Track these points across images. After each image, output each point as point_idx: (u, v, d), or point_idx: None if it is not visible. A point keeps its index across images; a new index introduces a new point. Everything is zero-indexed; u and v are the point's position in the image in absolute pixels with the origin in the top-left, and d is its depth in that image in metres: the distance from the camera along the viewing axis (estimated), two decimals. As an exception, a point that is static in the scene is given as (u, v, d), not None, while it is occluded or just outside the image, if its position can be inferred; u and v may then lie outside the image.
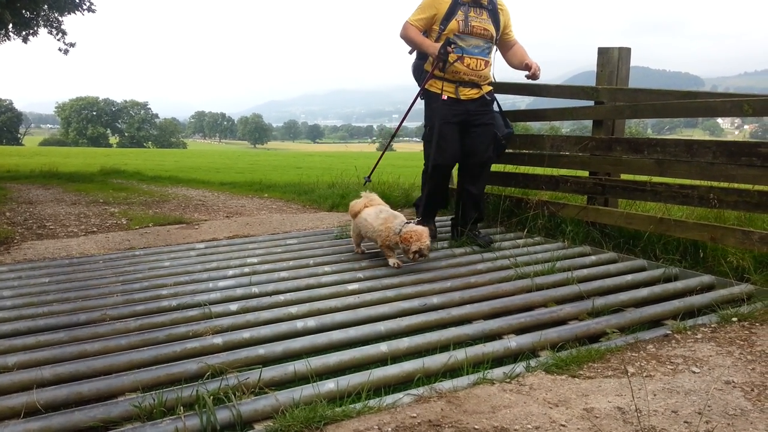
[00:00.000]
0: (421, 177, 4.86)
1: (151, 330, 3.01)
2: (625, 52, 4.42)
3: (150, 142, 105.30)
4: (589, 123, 4.73)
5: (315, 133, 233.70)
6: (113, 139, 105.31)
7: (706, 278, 3.57)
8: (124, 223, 6.20)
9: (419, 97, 4.63)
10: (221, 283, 3.78)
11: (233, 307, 3.32)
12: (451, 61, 4.25)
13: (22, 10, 13.25)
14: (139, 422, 2.15)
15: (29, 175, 13.49)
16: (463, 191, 4.68)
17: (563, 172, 4.96)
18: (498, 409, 2.11)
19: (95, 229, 5.90)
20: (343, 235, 5.10)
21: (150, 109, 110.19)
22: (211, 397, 2.20)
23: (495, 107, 4.69)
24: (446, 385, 2.34)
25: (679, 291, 3.47)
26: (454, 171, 4.90)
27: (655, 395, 2.17)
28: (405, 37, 4.47)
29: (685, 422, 1.98)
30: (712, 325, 2.89)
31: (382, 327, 2.98)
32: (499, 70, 4.64)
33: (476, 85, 4.40)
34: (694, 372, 2.37)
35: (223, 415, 2.13)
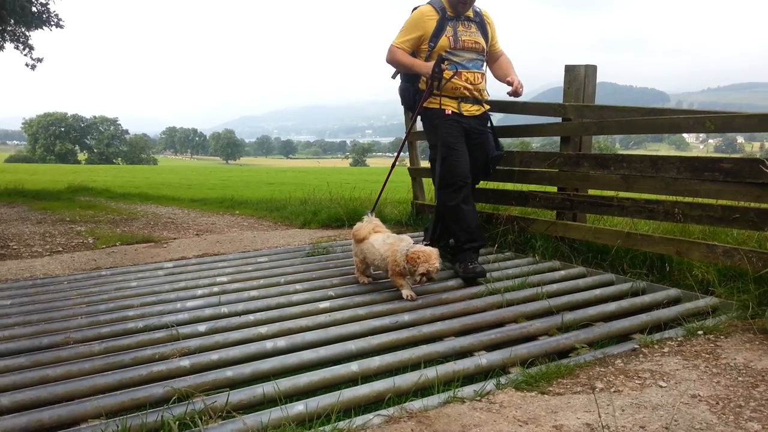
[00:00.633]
0: (442, 209, 4.31)
1: (116, 353, 2.94)
2: (591, 70, 4.49)
3: (120, 159, 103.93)
4: (558, 139, 4.79)
5: (288, 149, 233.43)
6: (82, 156, 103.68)
7: (673, 292, 3.62)
8: (91, 242, 6.09)
9: (416, 117, 4.52)
10: (189, 304, 3.72)
11: (201, 328, 3.27)
12: (447, 78, 4.13)
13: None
14: (101, 450, 2.09)
15: (-7, 193, 13.20)
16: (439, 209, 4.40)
17: (533, 187, 5.01)
18: (468, 429, 2.10)
19: (60, 249, 5.78)
20: (315, 252, 5.07)
21: (120, 124, 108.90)
22: (177, 423, 2.16)
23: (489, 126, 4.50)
24: (417, 404, 2.33)
25: (647, 305, 3.51)
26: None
27: (623, 410, 2.19)
28: (393, 61, 4.34)
29: (652, 437, 1.99)
30: (679, 339, 2.93)
31: (353, 346, 2.95)
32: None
33: (477, 101, 4.28)
34: (661, 386, 2.39)
35: (188, 440, 2.09)
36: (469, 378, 2.67)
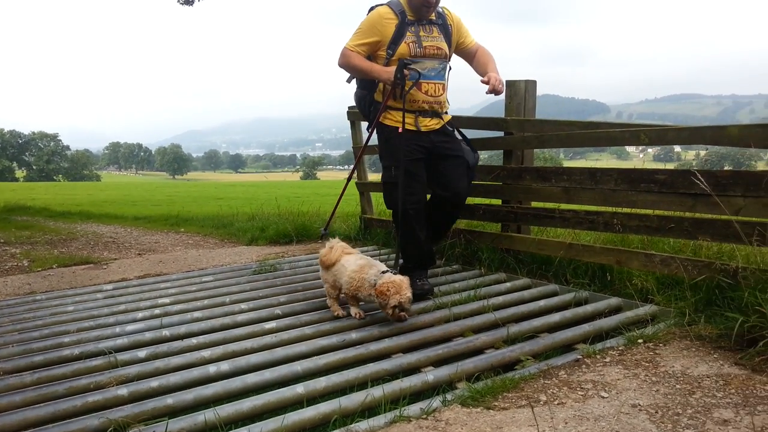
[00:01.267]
0: (394, 232, 4.28)
1: (49, 383, 2.80)
2: (531, 85, 4.59)
3: (61, 176, 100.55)
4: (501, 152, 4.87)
5: (237, 163, 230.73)
6: (20, 173, 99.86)
7: (614, 301, 3.71)
8: (26, 264, 5.83)
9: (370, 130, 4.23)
10: (129, 328, 3.60)
11: (141, 353, 3.15)
12: (406, 89, 3.79)
13: None
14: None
15: None
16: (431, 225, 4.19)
17: (478, 200, 5.07)
18: (414, 448, 2.08)
19: (-7, 273, 5.51)
20: (262, 270, 4.99)
21: (60, 140, 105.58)
22: (112, 456, 2.07)
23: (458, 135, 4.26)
24: (363, 425, 2.30)
25: (589, 314, 3.58)
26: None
27: (566, 423, 2.21)
28: (346, 65, 3.96)
29: (594, 449, 2.02)
30: (620, 348, 2.99)
31: (299, 367, 2.90)
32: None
33: (437, 114, 3.98)
34: (602, 397, 2.43)
35: (124, 475, 2.00)
36: (416, 395, 2.65)
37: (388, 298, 3.26)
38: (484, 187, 4.83)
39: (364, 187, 6.60)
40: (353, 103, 4.58)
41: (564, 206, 4.22)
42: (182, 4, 14.06)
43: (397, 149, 3.87)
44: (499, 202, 4.84)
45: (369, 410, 2.50)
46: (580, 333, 3.24)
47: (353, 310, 3.60)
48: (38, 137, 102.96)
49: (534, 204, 4.57)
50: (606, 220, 3.90)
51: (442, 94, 3.98)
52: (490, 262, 4.68)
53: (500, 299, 3.88)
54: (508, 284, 4.24)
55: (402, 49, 3.81)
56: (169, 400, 2.57)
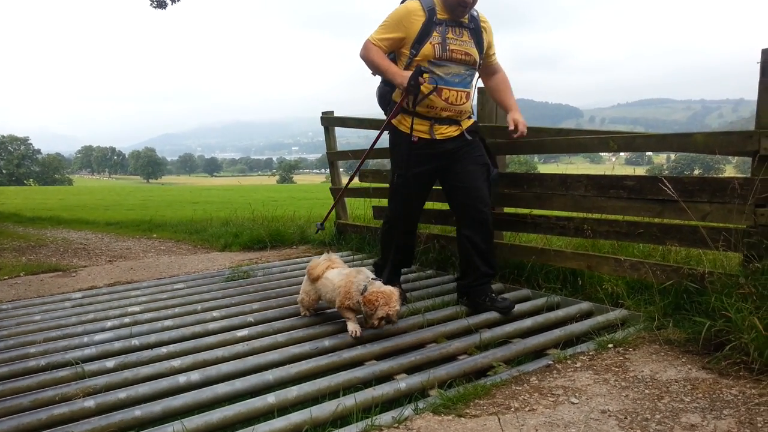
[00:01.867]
0: (381, 233, 4.18)
1: (13, 396, 2.74)
2: (503, 91, 4.61)
3: (32, 180, 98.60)
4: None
5: (212, 167, 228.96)
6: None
7: (585, 305, 3.74)
8: (-8, 273, 5.70)
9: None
10: (98, 337, 3.54)
11: (110, 363, 3.09)
12: (425, 94, 3.52)
13: None
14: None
15: None
16: (464, 241, 3.79)
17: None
18: (385, 458, 2.07)
19: (-43, 282, 5.38)
20: (235, 277, 4.94)
21: (31, 144, 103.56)
22: (76, 472, 2.02)
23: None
24: (334, 435, 2.28)
25: (561, 319, 3.61)
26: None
27: (536, 430, 2.22)
28: (365, 59, 3.66)
29: (564, 456, 2.03)
30: (590, 353, 3.02)
31: (270, 376, 2.87)
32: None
33: (455, 122, 3.68)
34: (573, 403, 2.45)
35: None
36: (389, 403, 2.65)
37: (375, 309, 3.15)
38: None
39: (338, 193, 6.58)
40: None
41: (536, 212, 4.25)
42: (155, 7, 13.93)
43: (403, 158, 3.66)
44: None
45: (341, 419, 2.48)
46: (552, 338, 3.26)
47: (350, 327, 3.35)
48: (8, 140, 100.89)
49: (506, 210, 4.60)
50: (576, 226, 3.94)
51: (464, 103, 3.67)
52: (464, 268, 4.68)
53: (473, 305, 3.88)
54: (481, 289, 4.24)
55: (426, 49, 3.51)
56: (137, 411, 2.52)
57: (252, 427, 2.34)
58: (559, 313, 3.67)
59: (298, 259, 5.79)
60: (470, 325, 3.51)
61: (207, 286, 4.76)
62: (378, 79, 3.87)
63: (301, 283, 4.67)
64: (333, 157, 6.61)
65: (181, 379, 2.86)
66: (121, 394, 2.70)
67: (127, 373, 2.94)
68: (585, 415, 2.32)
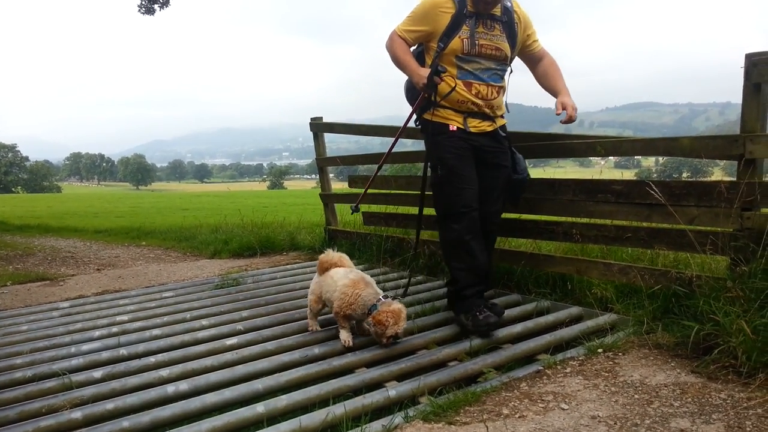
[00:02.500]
0: (443, 246, 3.74)
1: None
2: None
3: (20, 187, 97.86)
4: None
5: (202, 173, 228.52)
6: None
7: (575, 310, 3.75)
8: (-22, 283, 5.65)
9: (414, 125, 3.77)
10: (85, 347, 3.50)
11: (97, 374, 3.07)
12: (443, 95, 3.43)
13: None
14: None
15: None
16: None
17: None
18: (375, 467, 2.06)
19: (-58, 292, 5.32)
20: (224, 284, 4.92)
21: (19, 151, 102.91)
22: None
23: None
24: (323, 445, 2.27)
25: (551, 324, 3.61)
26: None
27: (526, 437, 2.22)
28: (389, 50, 3.57)
29: (554, 463, 2.02)
30: (580, 358, 3.02)
31: (260, 385, 2.85)
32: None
33: (488, 117, 3.55)
34: (563, 409, 2.45)
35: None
36: (379, 411, 2.63)
37: (386, 328, 3.14)
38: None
39: (328, 199, 6.57)
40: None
41: (525, 216, 4.26)
42: (143, 13, 13.88)
43: (443, 147, 3.49)
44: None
45: (330, 428, 2.46)
46: (542, 343, 3.26)
47: (343, 336, 3.33)
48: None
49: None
50: (565, 230, 3.95)
51: (496, 98, 3.53)
52: (454, 273, 4.68)
53: (463, 310, 3.88)
54: (471, 295, 4.24)
55: (455, 44, 3.38)
56: (125, 423, 2.50)
57: (241, 437, 2.32)
58: (549, 317, 3.68)
59: (288, 266, 5.77)
60: (460, 331, 3.51)
61: (196, 294, 4.73)
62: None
63: (290, 290, 4.67)
64: (322, 162, 6.60)
65: (170, 389, 2.83)
66: (109, 405, 2.67)
67: (115, 384, 2.92)
68: (575, 421, 2.32)
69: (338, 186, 7.38)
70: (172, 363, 3.20)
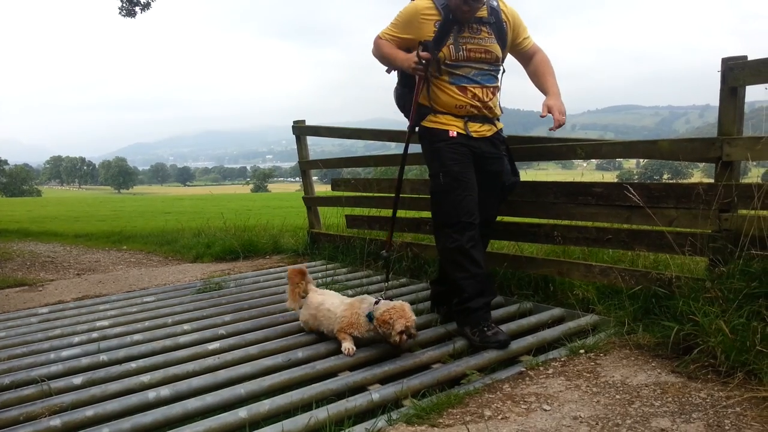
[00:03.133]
0: (442, 255, 3.60)
1: (-25, 417, 2.66)
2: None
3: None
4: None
5: (185, 176, 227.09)
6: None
7: (557, 311, 3.77)
8: (-45, 288, 5.55)
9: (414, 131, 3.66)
10: (65, 353, 3.46)
11: (77, 380, 3.03)
12: (435, 71, 3.36)
13: None
14: None
15: None
16: None
17: (424, 214, 5.10)
18: (358, 471, 2.06)
19: None
20: (207, 289, 4.89)
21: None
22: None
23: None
24: (306, 449, 2.26)
25: (533, 325, 3.63)
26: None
27: (509, 438, 2.23)
28: (376, 54, 3.54)
29: (536, 464, 2.03)
30: (562, 359, 3.04)
31: (242, 390, 2.83)
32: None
33: (488, 120, 3.49)
34: (545, 410, 2.46)
35: None
36: (362, 415, 2.63)
37: (392, 325, 3.04)
38: (427, 201, 4.87)
39: (311, 202, 6.56)
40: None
41: (507, 218, 4.28)
42: (124, 15, 13.76)
43: (443, 153, 3.40)
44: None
45: (314, 432, 2.46)
46: (524, 345, 3.28)
47: (345, 345, 3.21)
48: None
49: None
50: (547, 232, 3.98)
51: (491, 98, 3.46)
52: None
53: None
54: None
55: (444, 51, 3.33)
56: (105, 429, 2.46)
57: (223, 442, 2.30)
58: (532, 319, 3.70)
59: (272, 270, 5.74)
60: (445, 332, 3.52)
61: (178, 298, 4.69)
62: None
63: (274, 294, 4.65)
64: (305, 166, 6.59)
65: (151, 394, 2.80)
66: (89, 412, 2.64)
67: (95, 390, 2.88)
68: (557, 422, 2.34)
69: (322, 189, 7.37)
70: (154, 368, 3.16)
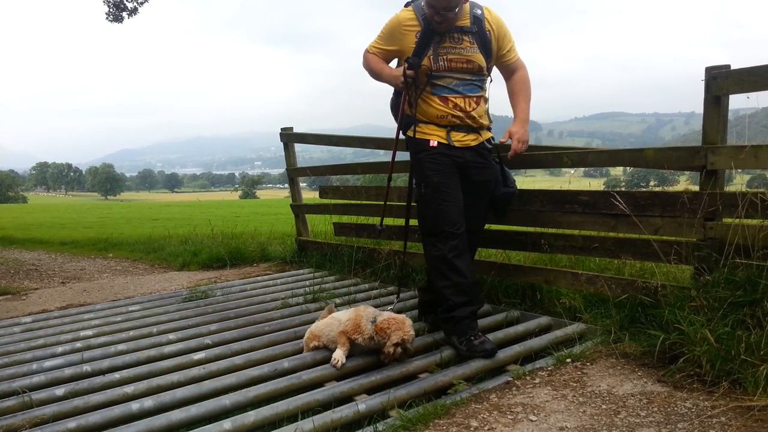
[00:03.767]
0: (428, 264, 3.62)
1: (-46, 431, 2.61)
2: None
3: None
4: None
5: (173, 182, 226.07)
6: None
7: (544, 320, 3.78)
8: (-64, 298, 5.47)
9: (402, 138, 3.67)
10: (47, 363, 3.41)
11: (59, 391, 2.98)
12: (422, 85, 3.37)
13: None
14: None
15: None
16: None
17: (411, 222, 5.08)
18: (343, 484, 2.04)
19: None
20: (193, 297, 4.85)
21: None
22: None
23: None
24: (291, 461, 2.24)
25: (520, 334, 3.63)
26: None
27: (495, 449, 2.21)
28: (365, 68, 3.57)
29: (522, 475, 2.02)
30: (549, 368, 3.04)
31: (227, 401, 2.80)
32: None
33: (472, 129, 3.44)
34: (531, 420, 2.45)
35: None
36: (348, 426, 2.61)
37: (388, 335, 3.02)
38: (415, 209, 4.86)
39: (299, 209, 6.54)
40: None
41: (494, 227, 4.28)
42: (111, 21, 13.70)
43: (425, 163, 3.40)
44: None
45: (299, 444, 2.43)
46: (512, 354, 3.27)
47: (336, 353, 3.15)
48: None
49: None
50: (534, 240, 3.98)
51: (475, 108, 3.41)
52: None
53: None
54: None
55: (424, 62, 3.33)
56: (87, 442, 2.43)
57: (206, 455, 2.27)
58: (519, 328, 3.69)
59: (259, 278, 5.71)
60: (432, 341, 3.50)
61: (163, 307, 4.65)
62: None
63: (260, 303, 4.63)
64: (293, 173, 6.57)
65: (135, 406, 2.77)
66: (71, 424, 2.60)
67: (78, 401, 2.84)
68: (543, 433, 2.33)
69: (310, 195, 7.35)
70: (138, 379, 3.13)
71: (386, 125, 3.85)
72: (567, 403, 2.61)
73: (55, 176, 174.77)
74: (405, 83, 3.33)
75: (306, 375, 3.09)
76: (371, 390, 2.96)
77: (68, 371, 3.27)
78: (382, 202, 4.80)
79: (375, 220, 5.41)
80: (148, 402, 2.80)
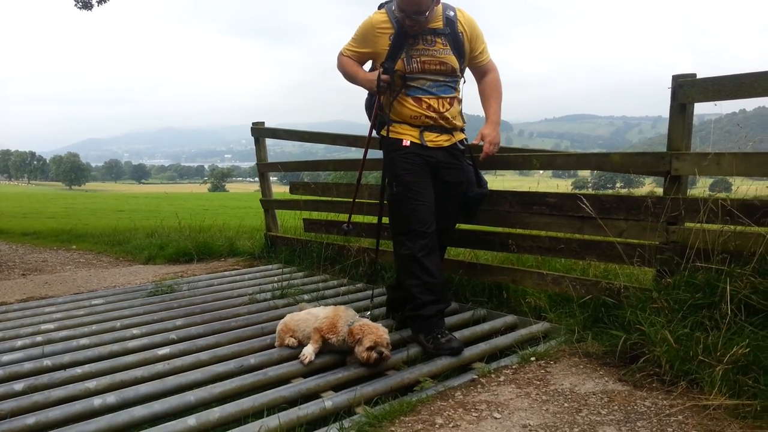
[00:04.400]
0: (399, 264, 3.60)
1: None
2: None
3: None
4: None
5: (140, 173, 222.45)
6: None
7: (510, 318, 3.83)
8: None
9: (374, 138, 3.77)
10: (6, 357, 3.34)
11: (18, 386, 2.91)
12: (397, 89, 3.40)
13: None
14: None
15: None
16: None
17: (385, 220, 5.10)
18: (307, 481, 2.04)
19: None
20: (158, 291, 4.78)
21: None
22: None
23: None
24: (256, 458, 2.23)
25: (486, 332, 3.67)
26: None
27: (459, 447, 2.24)
28: (340, 70, 3.61)
29: (485, 473, 2.05)
30: (514, 366, 3.08)
31: (192, 397, 2.77)
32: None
33: (445, 130, 3.47)
34: (495, 418, 2.49)
35: None
36: (314, 423, 2.61)
37: (359, 339, 3.01)
38: (386, 208, 4.87)
39: (268, 204, 6.50)
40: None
41: (463, 226, 4.31)
42: (80, 8, 13.39)
43: (397, 163, 3.43)
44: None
45: (264, 441, 2.43)
46: (477, 352, 3.31)
47: (306, 350, 3.14)
48: None
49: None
50: (502, 240, 4.03)
51: (449, 109, 3.44)
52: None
53: (402, 319, 3.89)
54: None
55: (397, 64, 3.36)
56: (46, 438, 2.39)
57: (170, 452, 2.25)
58: (485, 326, 3.74)
59: (226, 273, 5.66)
60: (400, 339, 3.52)
61: (128, 301, 4.58)
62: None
63: (227, 298, 4.58)
64: (263, 168, 6.52)
65: (96, 401, 2.72)
66: (30, 420, 2.55)
67: (38, 396, 2.78)
68: (507, 430, 2.36)
69: (281, 190, 7.30)
70: (100, 374, 3.08)
71: (359, 121, 3.86)
72: (530, 401, 2.65)
73: (17, 164, 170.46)
74: (379, 88, 3.37)
75: (272, 371, 3.07)
76: (338, 387, 2.96)
77: (28, 366, 3.20)
78: (351, 200, 4.81)
79: (345, 217, 5.41)
80: (111, 398, 2.76)
